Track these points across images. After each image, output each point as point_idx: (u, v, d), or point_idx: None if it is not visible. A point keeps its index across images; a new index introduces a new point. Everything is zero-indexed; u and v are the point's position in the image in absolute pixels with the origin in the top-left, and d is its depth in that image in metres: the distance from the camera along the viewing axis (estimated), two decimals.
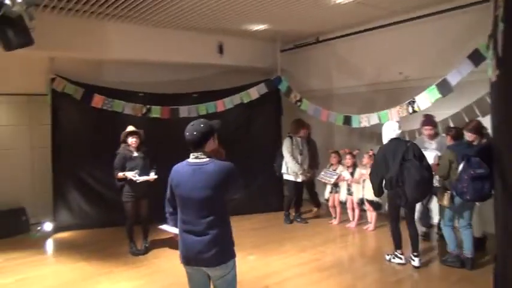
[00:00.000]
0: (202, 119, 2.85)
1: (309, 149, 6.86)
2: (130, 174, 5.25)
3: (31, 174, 7.05)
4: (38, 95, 6.82)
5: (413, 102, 5.81)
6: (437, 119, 5.83)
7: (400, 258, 4.91)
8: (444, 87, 5.41)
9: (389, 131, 4.89)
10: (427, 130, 5.55)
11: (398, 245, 4.94)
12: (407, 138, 5.99)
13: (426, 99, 5.64)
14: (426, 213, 5.82)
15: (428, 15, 5.85)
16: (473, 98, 5.60)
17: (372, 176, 4.97)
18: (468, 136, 4.78)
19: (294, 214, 6.99)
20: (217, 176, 2.69)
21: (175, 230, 2.92)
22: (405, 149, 4.61)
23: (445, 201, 4.64)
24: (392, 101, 6.27)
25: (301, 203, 7.10)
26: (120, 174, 5.30)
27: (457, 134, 4.82)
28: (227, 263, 2.74)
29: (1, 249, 5.79)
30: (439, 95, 5.48)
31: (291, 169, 6.64)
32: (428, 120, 5.59)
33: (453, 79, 5.32)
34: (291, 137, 6.71)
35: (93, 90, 6.58)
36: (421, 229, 5.62)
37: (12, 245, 5.99)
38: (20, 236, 6.40)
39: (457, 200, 4.52)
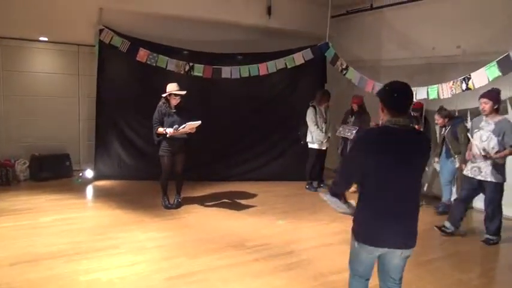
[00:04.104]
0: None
1: (362, 122, 6.69)
2: (170, 131, 5.19)
3: (77, 123, 7.32)
4: (87, 45, 6.97)
5: (469, 79, 5.40)
6: None
7: None
8: (506, 65, 4.96)
9: None
10: (481, 104, 4.66)
11: None
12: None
13: (483, 77, 5.22)
14: (455, 207, 5.02)
15: None
16: None
17: None
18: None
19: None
20: None
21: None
22: None
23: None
24: (446, 77, 5.88)
25: (323, 171, 7.18)
26: (160, 130, 5.30)
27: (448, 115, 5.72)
28: None
29: (44, 190, 6.12)
30: (498, 73, 5.04)
31: (315, 138, 6.72)
32: (487, 91, 4.71)
33: None
34: (314, 107, 6.74)
35: (139, 44, 6.59)
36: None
37: (54, 187, 6.30)
38: (63, 180, 6.71)
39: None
